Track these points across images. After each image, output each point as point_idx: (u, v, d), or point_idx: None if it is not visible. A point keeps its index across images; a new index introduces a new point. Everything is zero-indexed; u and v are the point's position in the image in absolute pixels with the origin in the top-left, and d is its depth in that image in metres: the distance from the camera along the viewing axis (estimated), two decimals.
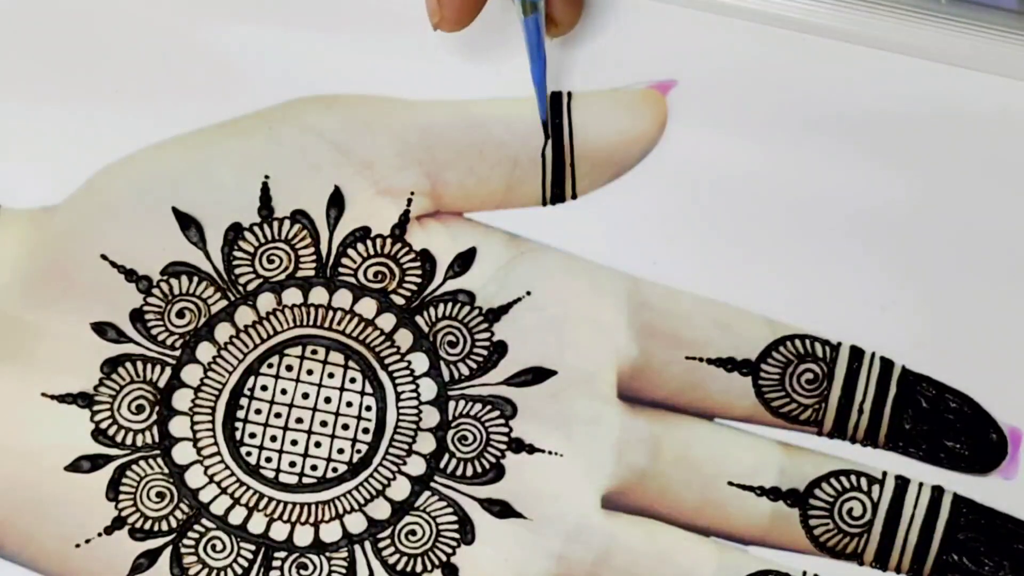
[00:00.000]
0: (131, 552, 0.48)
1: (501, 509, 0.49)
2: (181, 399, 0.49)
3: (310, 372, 0.50)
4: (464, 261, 0.50)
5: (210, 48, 0.52)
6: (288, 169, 0.50)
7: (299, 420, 0.49)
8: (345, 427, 0.49)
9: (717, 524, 0.49)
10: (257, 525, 0.49)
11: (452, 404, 0.49)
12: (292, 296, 0.50)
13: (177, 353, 0.50)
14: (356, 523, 0.49)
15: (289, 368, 0.50)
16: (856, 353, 0.50)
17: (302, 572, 0.48)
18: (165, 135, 0.51)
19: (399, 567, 0.49)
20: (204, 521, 0.49)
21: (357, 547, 0.49)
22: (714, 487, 0.49)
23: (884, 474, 0.49)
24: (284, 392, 0.49)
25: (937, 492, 0.49)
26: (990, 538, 0.49)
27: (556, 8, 0.49)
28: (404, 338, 0.50)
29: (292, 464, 0.49)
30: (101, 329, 0.49)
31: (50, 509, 0.48)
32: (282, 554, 0.49)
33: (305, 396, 0.49)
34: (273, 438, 0.49)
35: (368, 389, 0.49)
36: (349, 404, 0.49)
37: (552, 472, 0.49)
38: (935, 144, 0.51)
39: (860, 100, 0.51)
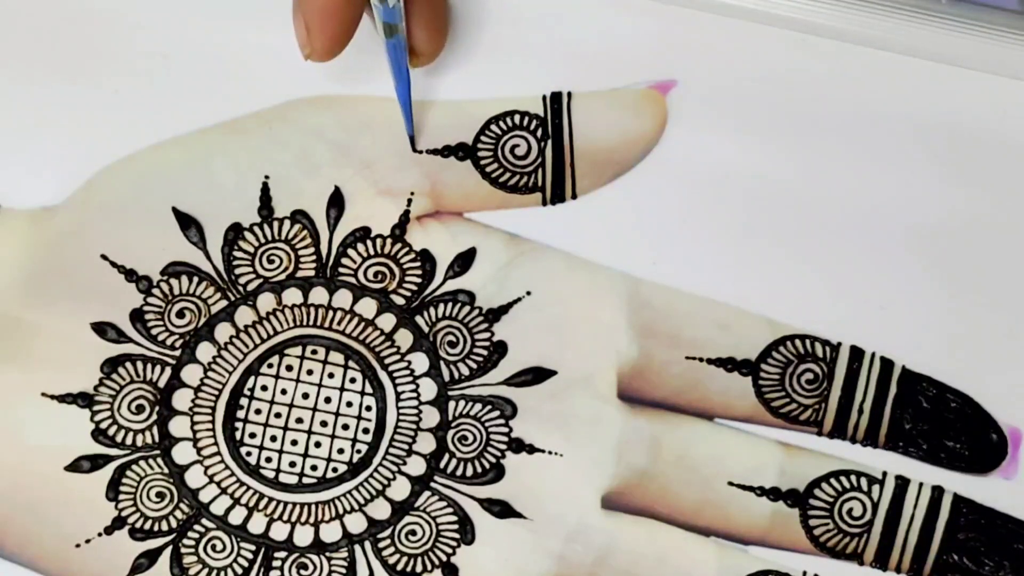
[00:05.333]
0: (131, 552, 0.48)
1: (501, 509, 0.49)
2: (181, 399, 0.49)
3: (310, 372, 0.50)
4: (464, 261, 0.50)
5: (210, 48, 0.52)
6: (288, 169, 0.50)
7: (299, 420, 0.49)
8: (345, 427, 0.49)
9: (717, 524, 0.49)
10: (257, 525, 0.49)
11: (452, 404, 0.49)
12: (292, 296, 0.50)
13: (177, 353, 0.50)
14: (356, 523, 0.49)
15: (289, 368, 0.50)
16: (856, 353, 0.50)
17: (302, 572, 0.49)
18: (165, 135, 0.51)
19: (399, 567, 0.49)
20: (204, 521, 0.49)
21: (357, 547, 0.49)
22: (714, 487, 0.49)
23: (884, 474, 0.49)
24: (284, 392, 0.49)
25: (937, 492, 0.49)
26: (990, 538, 0.49)
27: (416, 39, 0.48)
28: (404, 338, 0.50)
29: (292, 464, 0.49)
30: (101, 329, 0.49)
31: (50, 509, 0.48)
32: (282, 554, 0.49)
33: (305, 396, 0.49)
34: (273, 438, 0.49)
35: (368, 389, 0.50)
36: (349, 404, 0.49)
37: (552, 472, 0.49)
38: (934, 144, 0.51)
39: (860, 100, 0.51)
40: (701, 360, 0.50)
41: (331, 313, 0.50)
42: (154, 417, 0.49)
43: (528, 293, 0.50)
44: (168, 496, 0.49)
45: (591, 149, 0.51)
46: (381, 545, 0.49)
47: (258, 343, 0.50)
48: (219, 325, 0.50)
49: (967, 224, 0.50)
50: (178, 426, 0.49)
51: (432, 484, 0.49)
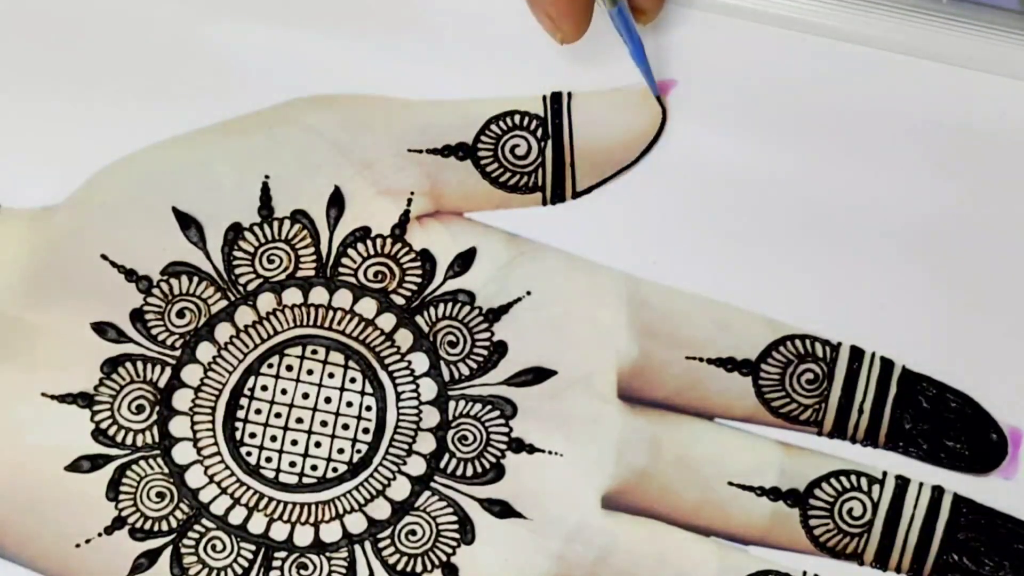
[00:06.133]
0: (131, 552, 0.48)
1: (501, 509, 0.49)
2: (181, 399, 0.49)
3: (310, 372, 0.50)
4: (464, 261, 0.50)
5: (210, 48, 0.52)
6: (288, 169, 0.50)
7: (299, 420, 0.49)
8: (345, 427, 0.49)
9: (717, 524, 0.49)
10: (257, 525, 0.49)
11: (452, 404, 0.49)
12: (292, 296, 0.50)
13: (177, 353, 0.50)
14: (356, 523, 0.49)
15: (289, 368, 0.50)
16: (856, 353, 0.50)
17: (302, 572, 0.49)
18: (165, 135, 0.51)
19: (399, 567, 0.49)
20: (204, 521, 0.49)
21: (357, 547, 0.49)
22: (714, 487, 0.49)
23: (884, 474, 0.49)
24: (284, 392, 0.49)
25: (937, 492, 0.49)
26: (990, 538, 0.49)
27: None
28: (404, 338, 0.50)
29: (292, 464, 0.49)
30: (101, 329, 0.49)
31: (50, 509, 0.48)
32: (282, 554, 0.49)
33: (305, 396, 0.49)
34: (273, 438, 0.49)
35: (368, 389, 0.50)
36: (349, 404, 0.49)
37: (552, 472, 0.49)
38: (935, 144, 0.51)
39: (860, 100, 0.51)
40: (701, 360, 0.50)
41: (331, 313, 0.50)
42: (154, 417, 0.49)
43: (528, 293, 0.50)
44: (168, 496, 0.49)
45: (591, 149, 0.51)
46: (381, 545, 0.49)
47: (258, 343, 0.50)
48: (219, 325, 0.50)
49: (967, 224, 0.50)
50: (178, 426, 0.49)
51: (432, 484, 0.49)
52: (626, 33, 0.49)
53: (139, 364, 0.49)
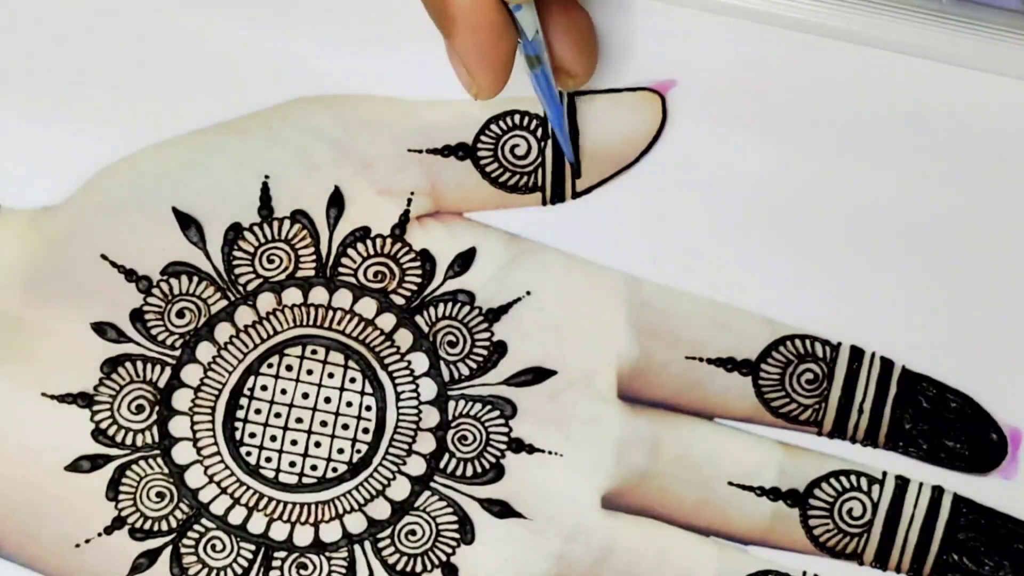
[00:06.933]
0: (131, 552, 0.48)
1: (501, 509, 0.49)
2: (181, 399, 0.49)
3: (310, 372, 0.50)
4: (464, 261, 0.50)
5: (210, 48, 0.52)
6: (288, 169, 0.50)
7: (299, 420, 0.49)
8: (345, 427, 0.49)
9: (717, 524, 0.49)
10: (257, 525, 0.49)
11: (452, 404, 0.49)
12: (292, 296, 0.50)
13: (177, 353, 0.50)
14: (356, 523, 0.49)
15: (289, 368, 0.50)
16: (856, 353, 0.50)
17: (302, 572, 0.49)
18: (165, 135, 0.51)
19: (399, 567, 0.49)
20: (204, 521, 0.49)
21: (357, 547, 0.49)
22: (714, 487, 0.49)
23: (884, 474, 0.49)
24: (284, 392, 0.49)
25: (937, 492, 0.49)
26: (990, 538, 0.49)
27: (565, 60, 0.48)
28: (404, 338, 0.50)
29: (292, 464, 0.49)
30: (101, 329, 0.49)
31: (50, 509, 0.48)
32: (282, 554, 0.49)
33: (305, 396, 0.49)
34: (273, 438, 0.49)
35: (368, 389, 0.50)
36: (349, 404, 0.49)
37: (552, 472, 0.49)
38: (936, 144, 0.51)
39: (860, 100, 0.51)
40: (701, 360, 0.50)
41: (331, 313, 0.50)
42: (154, 417, 0.49)
43: (528, 293, 0.50)
44: (168, 496, 0.49)
45: (591, 149, 0.51)
46: (381, 545, 0.49)
47: (258, 343, 0.50)
48: (219, 325, 0.50)
49: (967, 224, 0.50)
50: (178, 426, 0.49)
51: (432, 484, 0.49)
52: (547, 98, 0.48)
53: (139, 364, 0.49)
